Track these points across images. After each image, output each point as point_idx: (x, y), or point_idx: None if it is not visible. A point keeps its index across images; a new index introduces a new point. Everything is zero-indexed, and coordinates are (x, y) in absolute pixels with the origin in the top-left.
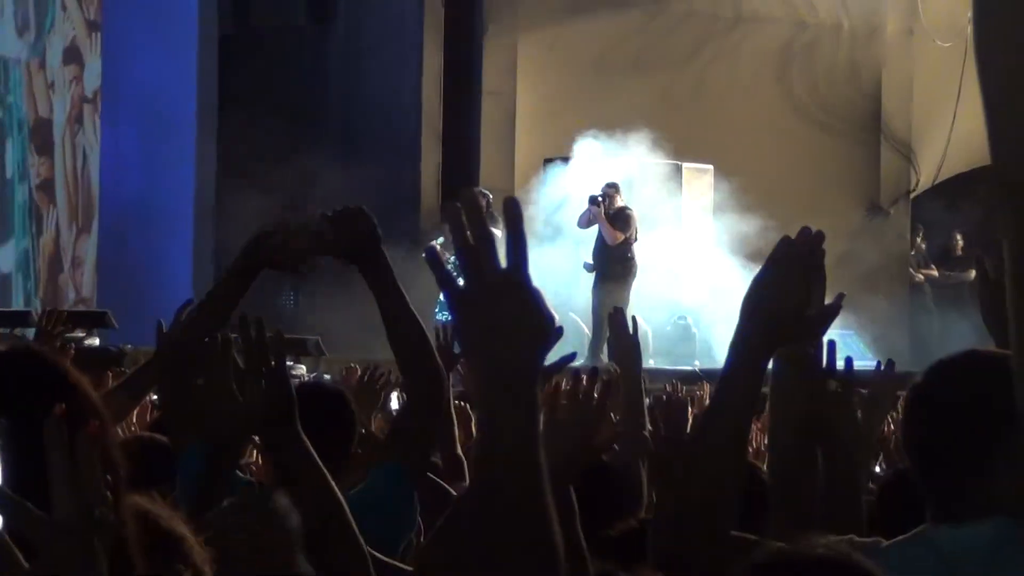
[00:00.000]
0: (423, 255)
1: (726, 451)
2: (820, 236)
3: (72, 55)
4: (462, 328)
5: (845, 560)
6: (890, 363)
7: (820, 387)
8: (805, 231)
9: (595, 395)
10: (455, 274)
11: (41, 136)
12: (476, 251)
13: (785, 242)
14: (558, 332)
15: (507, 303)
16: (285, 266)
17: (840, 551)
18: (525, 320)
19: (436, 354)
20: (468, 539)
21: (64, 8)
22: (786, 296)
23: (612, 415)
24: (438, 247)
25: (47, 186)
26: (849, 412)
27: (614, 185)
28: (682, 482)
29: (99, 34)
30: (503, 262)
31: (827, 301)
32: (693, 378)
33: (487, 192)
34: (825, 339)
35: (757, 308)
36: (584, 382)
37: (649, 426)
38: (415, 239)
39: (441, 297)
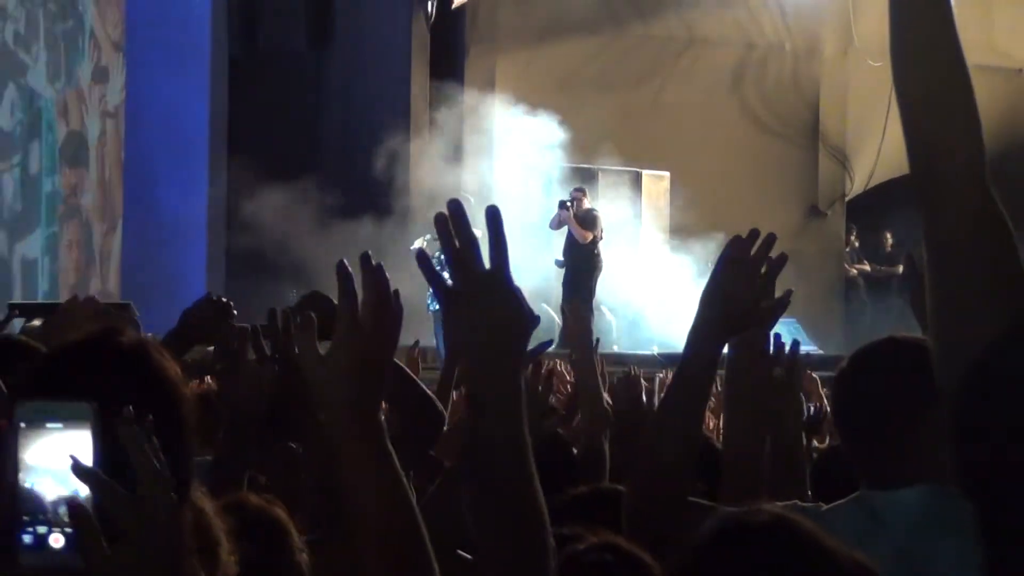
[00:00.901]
0: (415, 257)
1: (687, 422)
2: (772, 238)
3: (100, 74)
4: (452, 322)
5: (789, 522)
6: (795, 343)
7: (767, 373)
8: (754, 232)
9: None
10: (443, 272)
11: (73, 145)
12: (462, 254)
13: (735, 241)
14: (535, 323)
15: (491, 299)
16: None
17: (784, 514)
18: (507, 314)
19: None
20: (467, 502)
21: (93, 34)
22: (739, 290)
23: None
24: (424, 246)
25: (77, 188)
26: (793, 395)
27: (581, 190)
28: (644, 449)
29: (122, 55)
30: (486, 263)
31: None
32: (652, 362)
33: (469, 196)
34: (774, 332)
35: (713, 300)
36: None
37: (609, 400)
38: (405, 242)
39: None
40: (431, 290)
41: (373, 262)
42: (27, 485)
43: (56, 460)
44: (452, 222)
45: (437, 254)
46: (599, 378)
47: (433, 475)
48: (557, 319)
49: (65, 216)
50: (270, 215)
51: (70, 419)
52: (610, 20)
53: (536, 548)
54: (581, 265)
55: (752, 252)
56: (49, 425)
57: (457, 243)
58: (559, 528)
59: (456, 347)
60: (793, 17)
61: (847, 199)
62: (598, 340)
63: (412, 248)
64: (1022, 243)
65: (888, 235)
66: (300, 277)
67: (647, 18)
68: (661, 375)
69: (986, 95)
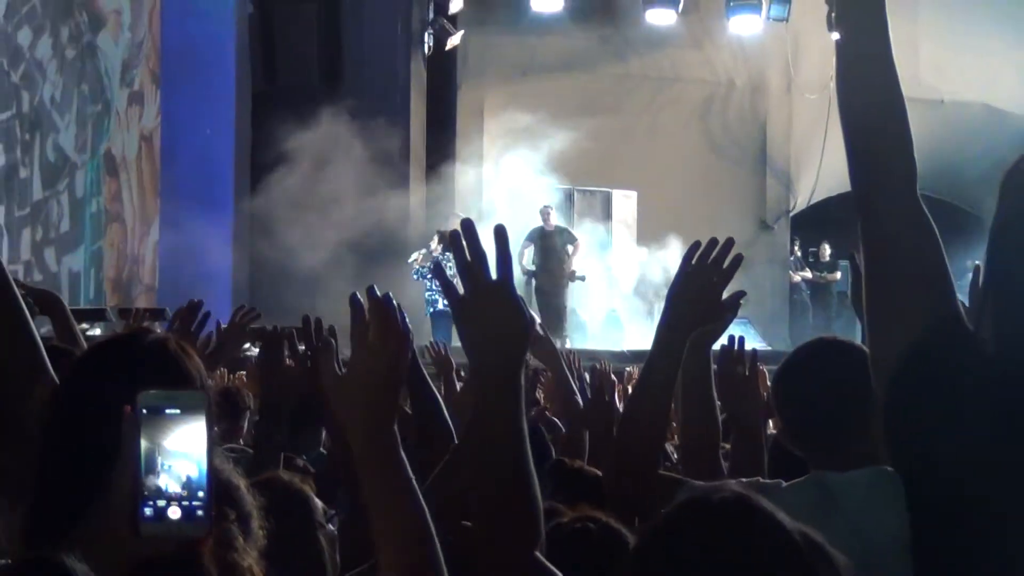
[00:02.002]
0: (431, 270)
1: (656, 404)
2: (730, 242)
3: (136, 99)
4: (462, 326)
5: (746, 498)
6: (731, 340)
7: (732, 370)
8: (712, 241)
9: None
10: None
11: (113, 163)
12: (473, 266)
13: (695, 245)
14: (533, 327)
15: (497, 306)
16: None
17: (742, 491)
18: (510, 319)
19: (447, 419)
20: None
21: (135, 67)
22: (701, 287)
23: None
24: (417, 258)
25: (117, 200)
26: (753, 389)
27: (549, 207)
28: (620, 431)
29: (157, 85)
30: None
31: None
32: (621, 357)
33: (460, 214)
34: (736, 335)
35: (678, 297)
36: None
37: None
38: (404, 257)
39: (427, 297)
40: (427, 297)
41: (379, 292)
42: (148, 464)
43: (174, 442)
44: (465, 237)
45: (428, 264)
46: (569, 379)
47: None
48: (539, 321)
49: (108, 221)
50: (288, 230)
51: (187, 406)
52: (584, 61)
53: (529, 520)
54: (557, 269)
55: (712, 255)
56: (168, 411)
57: (468, 256)
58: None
59: (464, 347)
60: (743, 59)
61: (791, 215)
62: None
63: (408, 261)
64: (948, 254)
65: (826, 246)
66: (315, 285)
67: (617, 59)
68: (629, 369)
69: (913, 123)
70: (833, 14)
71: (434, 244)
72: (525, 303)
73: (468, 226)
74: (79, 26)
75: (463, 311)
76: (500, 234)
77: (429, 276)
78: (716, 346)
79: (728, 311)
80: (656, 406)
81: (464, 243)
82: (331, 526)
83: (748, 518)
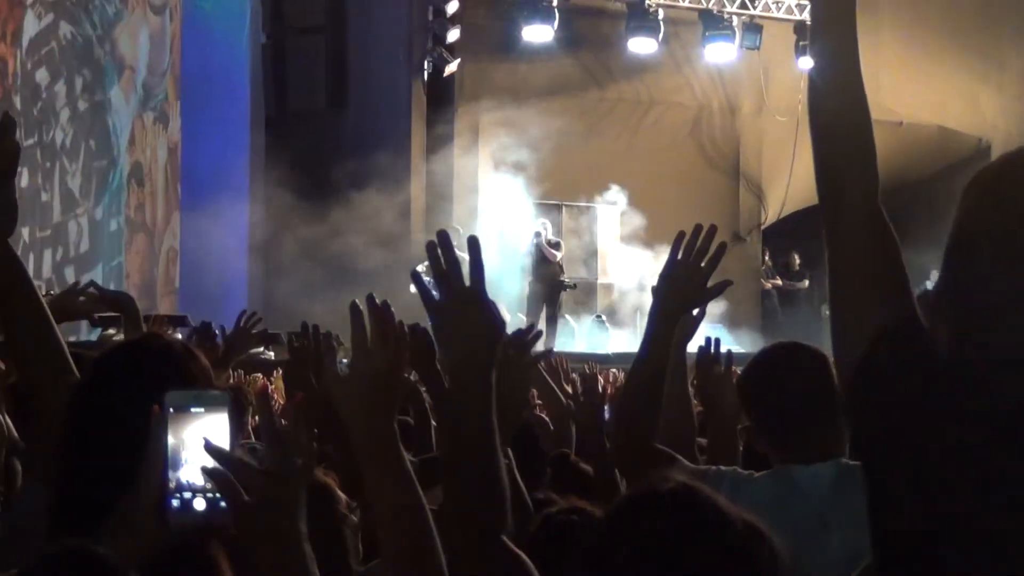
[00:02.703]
0: (410, 277)
1: (651, 378)
2: (713, 229)
3: (162, 117)
4: (437, 328)
5: (691, 488)
6: (708, 341)
7: (710, 370)
8: (697, 228)
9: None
10: (432, 289)
11: (140, 172)
12: (448, 274)
13: (681, 235)
14: (503, 329)
15: (469, 310)
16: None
17: (688, 482)
18: (482, 322)
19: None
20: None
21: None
22: (687, 273)
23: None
24: (422, 269)
25: (141, 209)
26: (728, 386)
27: (544, 223)
28: (618, 404)
29: (179, 102)
30: (467, 281)
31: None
32: (605, 359)
33: (458, 227)
34: (713, 337)
35: (668, 280)
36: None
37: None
38: (406, 264)
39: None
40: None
41: (378, 300)
42: (174, 459)
43: (199, 439)
44: (440, 248)
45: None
46: (549, 381)
47: None
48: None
49: (133, 231)
50: (297, 241)
51: (211, 405)
52: (571, 86)
53: (494, 508)
54: (549, 279)
55: (698, 243)
56: (193, 410)
57: (444, 264)
58: (535, 493)
59: (439, 348)
60: (718, 84)
61: (762, 227)
62: (550, 350)
63: (411, 272)
64: (908, 263)
65: (795, 256)
66: (322, 291)
67: (602, 84)
68: (614, 371)
69: (875, 141)
70: (806, 43)
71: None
72: (496, 308)
73: (443, 237)
74: (94, 78)
75: (439, 315)
76: (474, 244)
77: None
78: (694, 348)
79: (713, 295)
80: (650, 380)
81: (439, 253)
82: (354, 517)
83: (695, 508)
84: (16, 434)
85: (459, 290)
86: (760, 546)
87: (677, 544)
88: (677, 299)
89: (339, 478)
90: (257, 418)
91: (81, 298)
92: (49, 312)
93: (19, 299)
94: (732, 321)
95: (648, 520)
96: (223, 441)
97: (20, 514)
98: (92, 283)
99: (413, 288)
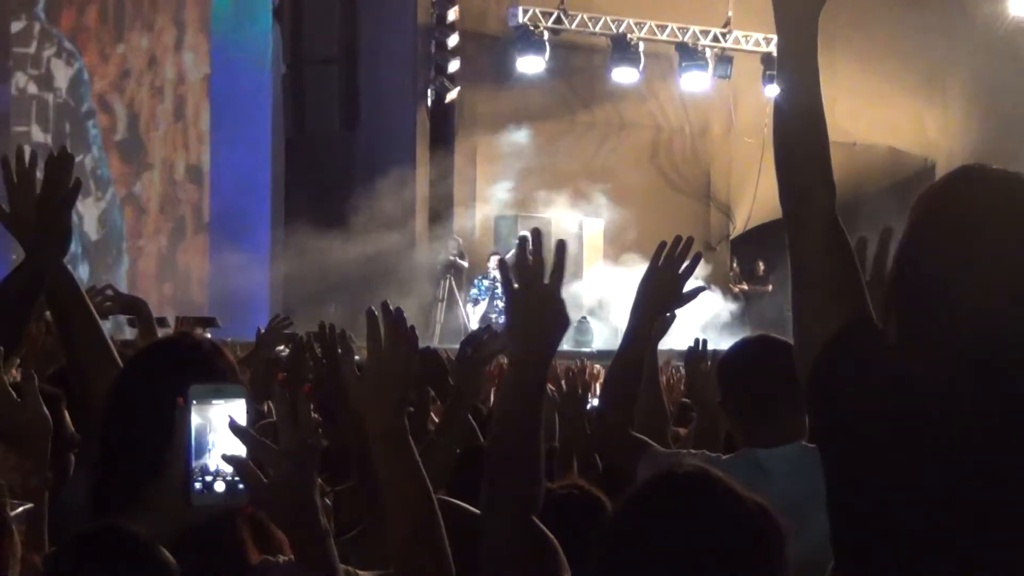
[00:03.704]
0: (495, 266)
1: (629, 370)
2: (690, 240)
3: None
4: (512, 316)
5: (707, 471)
6: (696, 341)
7: (698, 366)
8: (677, 239)
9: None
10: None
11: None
12: (532, 270)
13: (662, 245)
14: (567, 326)
15: (543, 305)
16: None
17: (703, 466)
18: (551, 318)
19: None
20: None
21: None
22: (666, 279)
23: None
24: (509, 259)
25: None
26: (712, 381)
27: (525, 236)
28: (601, 393)
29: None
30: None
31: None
32: (590, 355)
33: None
34: (700, 338)
35: (648, 284)
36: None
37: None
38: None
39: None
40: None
41: (391, 307)
42: (197, 446)
43: (220, 427)
44: (532, 243)
45: (485, 285)
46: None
47: None
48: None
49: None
50: (315, 253)
51: (230, 397)
52: (561, 111)
53: (533, 486)
54: None
55: (677, 252)
56: (214, 401)
57: (531, 259)
58: None
59: (509, 333)
60: (690, 107)
61: (730, 238)
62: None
63: (499, 259)
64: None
65: (760, 263)
66: (338, 298)
67: (589, 108)
68: (598, 367)
69: (832, 161)
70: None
71: (492, 264)
72: (565, 308)
73: (535, 235)
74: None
75: (515, 303)
76: (560, 248)
77: (484, 299)
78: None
79: (689, 299)
80: (627, 372)
81: (531, 247)
82: (327, 500)
83: (710, 489)
84: (73, 428)
85: (537, 285)
86: (770, 522)
87: (696, 522)
88: (655, 301)
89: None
90: (274, 405)
91: (98, 299)
92: (95, 315)
93: (72, 305)
94: (705, 322)
95: (668, 501)
96: (239, 423)
97: (69, 497)
98: (109, 286)
99: (473, 299)
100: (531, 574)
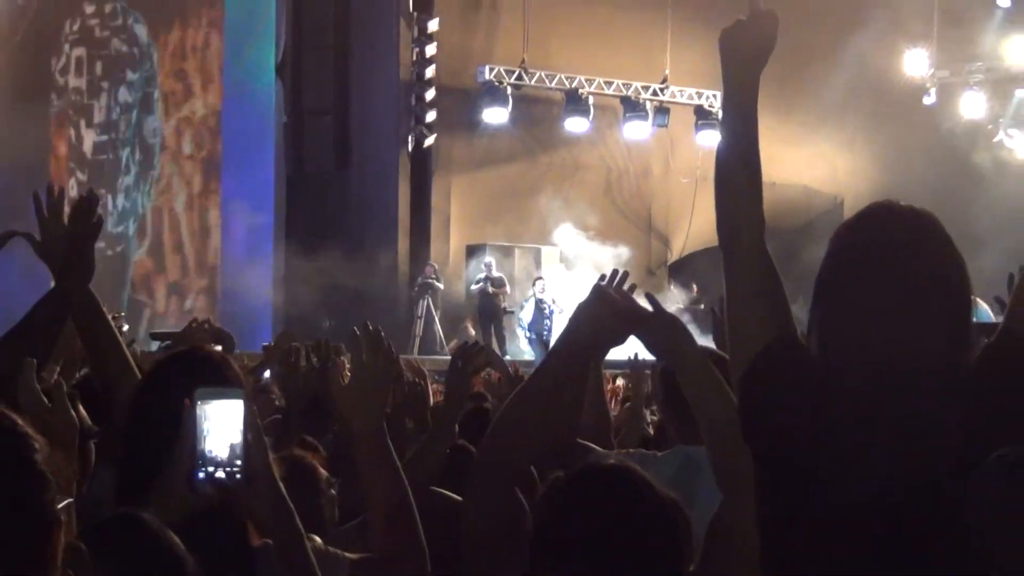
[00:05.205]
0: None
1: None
2: (626, 274)
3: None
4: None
5: (626, 466)
6: (635, 356)
7: (639, 375)
8: (614, 272)
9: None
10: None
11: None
12: (615, 293)
13: (602, 277)
14: (618, 343)
15: (604, 314)
16: None
17: (623, 461)
18: (612, 327)
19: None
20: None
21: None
22: (604, 313)
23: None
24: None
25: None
26: (641, 389)
27: (488, 263)
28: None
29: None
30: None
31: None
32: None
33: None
34: (635, 353)
35: (580, 320)
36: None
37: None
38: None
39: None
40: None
41: (371, 327)
42: (202, 440)
43: (220, 425)
44: (619, 281)
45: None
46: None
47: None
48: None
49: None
50: (312, 275)
51: (230, 397)
52: (522, 154)
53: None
54: (492, 309)
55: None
56: (217, 402)
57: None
58: None
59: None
60: (634, 152)
61: (668, 264)
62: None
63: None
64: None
65: (694, 285)
66: (332, 315)
67: (546, 152)
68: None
69: None
70: (702, 122)
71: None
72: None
73: (622, 276)
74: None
75: (580, 307)
76: (621, 278)
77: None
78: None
79: (624, 332)
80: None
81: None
82: (332, 491)
83: (628, 481)
84: (89, 420)
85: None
86: (680, 515)
87: (614, 511)
88: (591, 333)
89: (326, 459)
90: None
91: (196, 327)
92: (116, 331)
93: (98, 327)
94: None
95: (590, 491)
96: (237, 422)
97: (95, 489)
98: (208, 320)
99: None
100: (507, 541)
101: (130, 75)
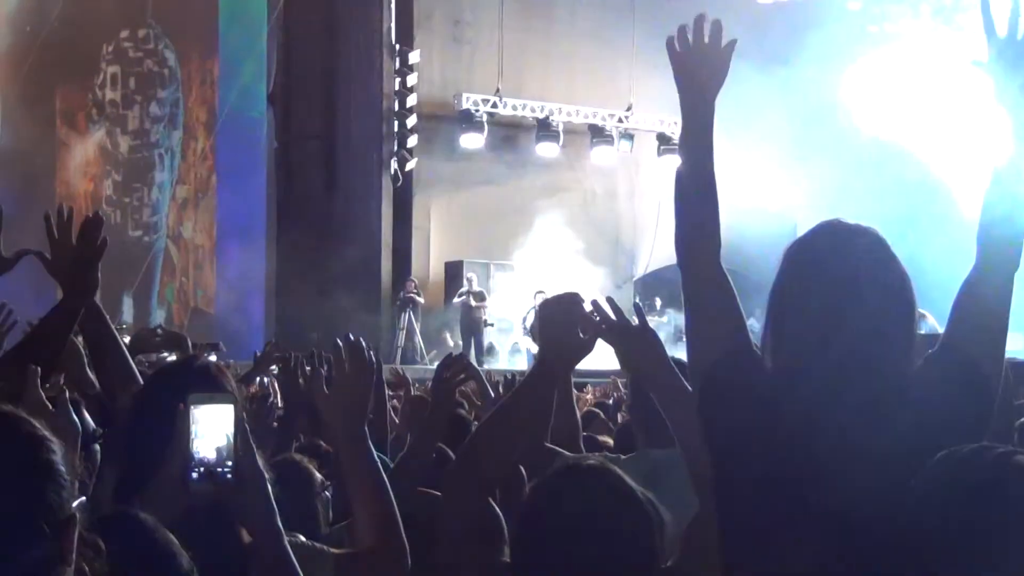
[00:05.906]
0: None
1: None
2: (578, 297)
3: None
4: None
5: (606, 466)
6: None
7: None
8: (574, 295)
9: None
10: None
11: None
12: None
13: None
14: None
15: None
16: None
17: (603, 462)
18: (641, 349)
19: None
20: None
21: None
22: (562, 333)
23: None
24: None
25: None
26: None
27: (470, 278)
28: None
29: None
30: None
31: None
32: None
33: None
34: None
35: (547, 340)
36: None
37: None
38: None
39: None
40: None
41: (352, 338)
42: (194, 442)
43: (212, 428)
44: (608, 310)
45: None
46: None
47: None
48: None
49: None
50: (301, 290)
51: (221, 403)
52: (497, 178)
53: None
54: (474, 322)
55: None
56: (208, 406)
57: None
58: None
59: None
60: (601, 175)
61: (634, 279)
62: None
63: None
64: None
65: (658, 299)
66: (319, 327)
67: (518, 175)
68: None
69: None
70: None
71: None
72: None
73: (637, 309)
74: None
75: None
76: (639, 309)
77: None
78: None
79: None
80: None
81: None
82: (327, 493)
83: (606, 478)
84: (92, 423)
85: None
86: (654, 508)
87: (594, 507)
88: (555, 355)
89: (320, 463)
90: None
91: (148, 334)
92: (122, 343)
93: (104, 339)
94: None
95: (571, 491)
96: (228, 425)
97: (101, 491)
98: (160, 326)
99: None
100: (479, 540)
101: (160, 92)
